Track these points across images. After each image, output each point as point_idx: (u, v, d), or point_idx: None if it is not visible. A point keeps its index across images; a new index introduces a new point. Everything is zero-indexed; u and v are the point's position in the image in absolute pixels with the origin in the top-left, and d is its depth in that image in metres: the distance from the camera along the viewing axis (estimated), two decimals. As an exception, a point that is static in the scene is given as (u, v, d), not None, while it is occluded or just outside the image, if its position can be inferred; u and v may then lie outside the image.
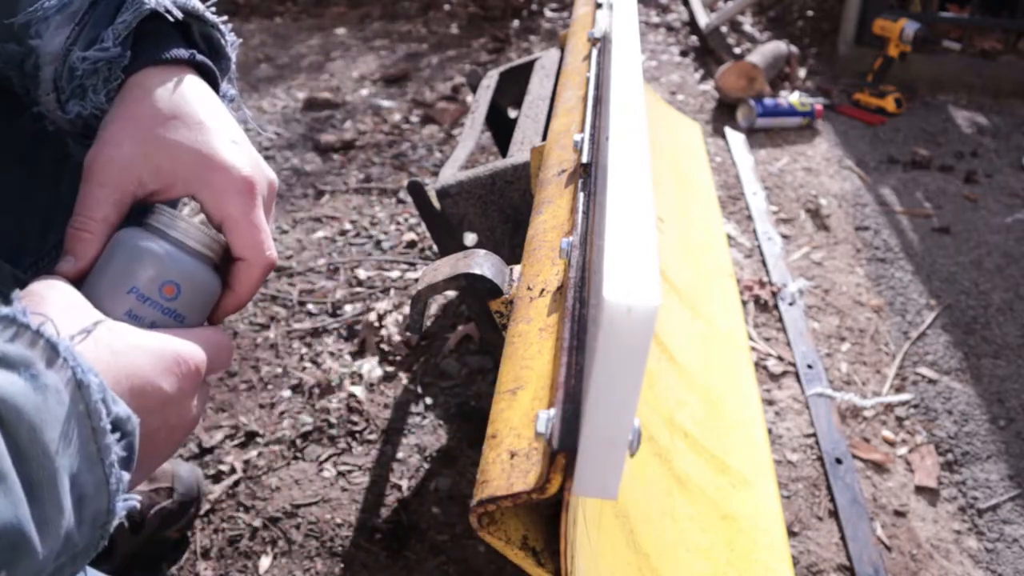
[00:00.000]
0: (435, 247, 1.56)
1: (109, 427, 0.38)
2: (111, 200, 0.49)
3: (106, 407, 0.38)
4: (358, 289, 1.61)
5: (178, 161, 0.51)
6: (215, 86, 0.57)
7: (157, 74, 0.52)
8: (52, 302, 0.43)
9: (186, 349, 0.46)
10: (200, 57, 0.55)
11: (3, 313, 0.37)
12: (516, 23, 3.19)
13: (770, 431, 1.27)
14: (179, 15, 0.54)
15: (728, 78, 2.34)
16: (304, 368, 1.40)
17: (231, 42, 0.60)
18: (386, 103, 2.49)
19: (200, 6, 0.56)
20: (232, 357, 0.50)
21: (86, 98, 0.53)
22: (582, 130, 0.76)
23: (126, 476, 0.40)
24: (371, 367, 1.39)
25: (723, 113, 2.38)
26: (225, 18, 0.59)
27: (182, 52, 0.54)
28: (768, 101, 2.27)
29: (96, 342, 0.41)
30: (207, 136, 0.51)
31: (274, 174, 0.56)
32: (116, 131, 0.50)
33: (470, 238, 1.06)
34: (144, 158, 0.50)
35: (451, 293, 1.52)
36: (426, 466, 1.20)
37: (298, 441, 1.25)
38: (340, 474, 1.19)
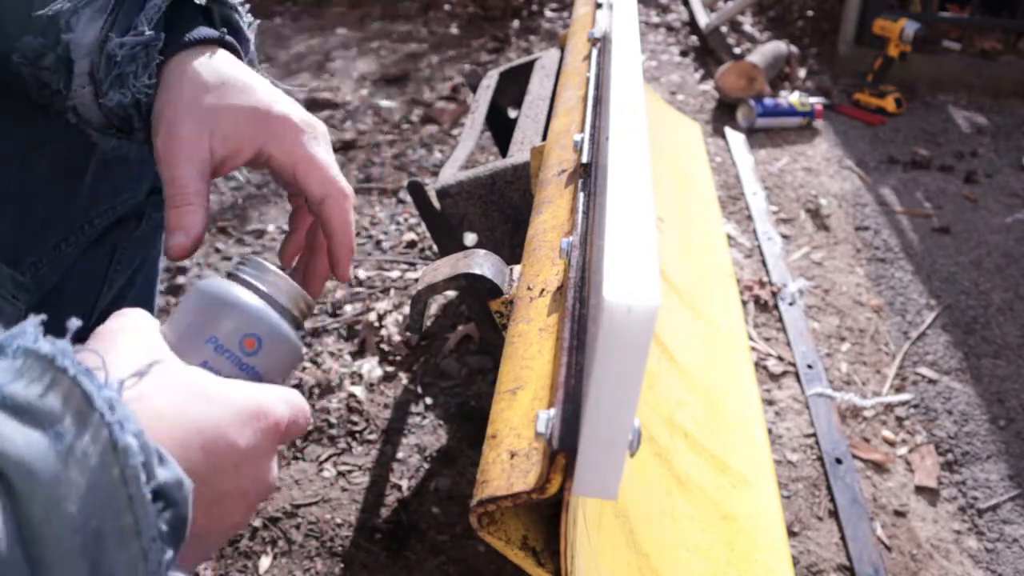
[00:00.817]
0: (435, 247, 1.56)
1: (150, 495, 0.32)
2: (196, 174, 0.50)
3: (147, 472, 0.32)
4: (358, 289, 1.61)
5: (239, 123, 0.52)
6: None
7: (192, 55, 0.54)
8: (119, 340, 0.39)
9: (268, 401, 0.42)
10: (228, 37, 0.56)
11: (44, 352, 0.31)
12: (516, 23, 3.19)
13: (770, 431, 1.27)
14: None
15: (728, 78, 2.34)
16: (304, 368, 1.40)
17: (249, 23, 0.60)
18: (386, 103, 2.49)
19: None
20: (308, 423, 0.45)
21: (126, 85, 0.54)
22: (582, 130, 0.76)
23: (170, 553, 0.33)
24: (371, 367, 1.39)
25: (723, 113, 2.38)
26: (243, 0, 0.60)
27: (211, 32, 0.55)
28: (768, 101, 2.27)
29: (154, 387, 0.37)
30: (256, 95, 0.53)
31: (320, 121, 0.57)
32: (173, 115, 0.51)
33: (470, 238, 1.06)
34: (209, 130, 0.51)
35: (451, 293, 1.52)
36: (426, 466, 1.20)
37: (298, 441, 1.25)
38: (340, 474, 1.19)
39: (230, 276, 0.49)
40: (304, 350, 0.52)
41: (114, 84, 0.54)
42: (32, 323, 0.33)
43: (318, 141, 0.54)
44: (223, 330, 0.46)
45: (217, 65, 0.54)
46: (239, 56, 0.58)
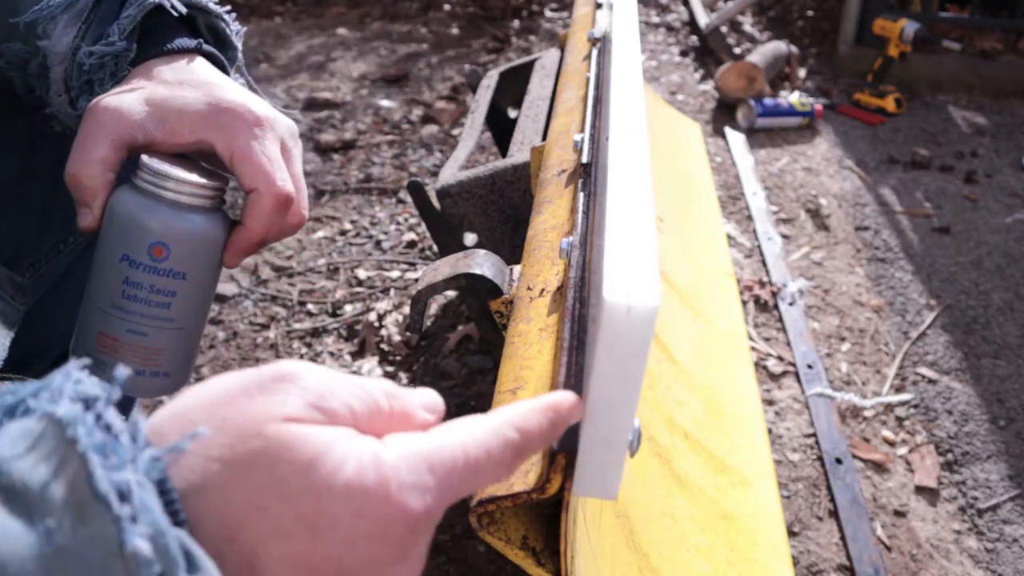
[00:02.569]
0: (435, 247, 1.56)
1: None
2: (108, 139, 0.48)
3: None
4: (358, 289, 1.61)
5: (185, 111, 0.50)
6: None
7: (161, 61, 0.53)
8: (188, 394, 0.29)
9: (393, 467, 0.28)
10: (207, 47, 0.56)
11: (58, 416, 0.24)
12: (516, 23, 3.19)
13: (770, 431, 1.27)
14: (183, 9, 0.55)
15: (728, 78, 2.34)
16: (304, 368, 1.40)
17: (236, 31, 0.60)
18: (386, 103, 2.49)
19: None
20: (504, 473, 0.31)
21: (93, 92, 0.53)
22: (582, 130, 0.76)
23: None
24: (371, 367, 1.39)
25: (723, 113, 2.38)
26: (228, 8, 0.59)
27: (188, 42, 0.54)
28: (768, 101, 2.27)
29: (207, 450, 0.26)
30: (214, 90, 0.51)
31: (292, 122, 0.55)
32: (119, 88, 0.50)
33: (470, 238, 1.06)
34: (148, 108, 0.49)
35: (451, 293, 1.52)
36: (426, 466, 1.20)
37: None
38: (340, 474, 1.19)
39: (130, 186, 0.49)
40: (222, 226, 0.51)
41: (83, 91, 0.53)
42: (68, 371, 0.26)
43: (266, 136, 0.51)
44: (129, 245, 0.47)
45: (186, 69, 0.52)
46: (221, 64, 0.57)
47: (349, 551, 0.27)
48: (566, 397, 0.34)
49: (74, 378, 0.26)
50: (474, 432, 0.30)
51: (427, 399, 0.33)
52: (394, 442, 0.29)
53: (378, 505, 0.27)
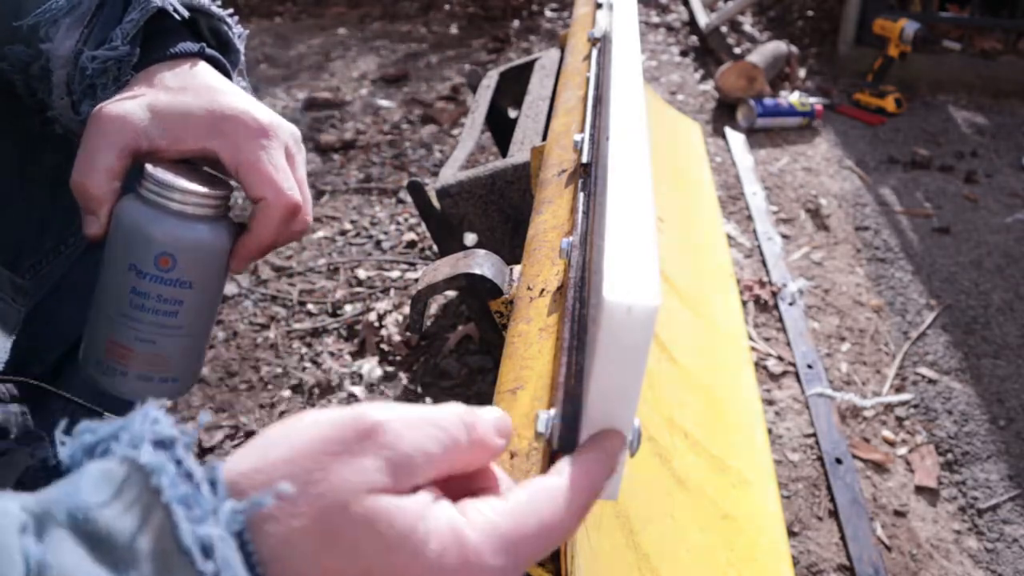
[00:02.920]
0: (435, 247, 1.56)
1: None
2: (114, 147, 0.48)
3: None
4: (358, 289, 1.61)
5: (189, 118, 0.50)
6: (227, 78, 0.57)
7: (164, 66, 0.53)
8: (276, 443, 0.28)
9: (486, 542, 0.28)
10: (209, 51, 0.55)
11: (141, 463, 0.25)
12: (516, 23, 3.19)
13: (770, 431, 1.27)
14: (185, 13, 0.55)
15: (728, 78, 2.34)
16: (304, 368, 1.40)
17: (239, 34, 0.60)
18: (386, 103, 2.49)
19: (206, 1, 0.57)
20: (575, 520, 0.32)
21: (96, 97, 0.53)
22: (582, 130, 0.76)
23: None
24: (371, 367, 1.39)
25: (723, 113, 2.38)
26: (231, 11, 0.59)
27: (191, 46, 0.54)
28: (768, 101, 2.27)
29: (295, 508, 0.26)
30: (217, 96, 0.51)
31: (295, 127, 0.55)
32: (122, 95, 0.50)
33: (470, 238, 1.06)
34: (151, 115, 0.49)
35: (451, 293, 1.52)
36: (426, 466, 1.20)
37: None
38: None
39: (135, 195, 0.49)
40: (227, 234, 0.51)
41: (86, 95, 0.53)
42: (146, 411, 0.27)
43: (271, 144, 0.51)
44: (136, 255, 0.47)
45: (189, 74, 0.52)
46: (224, 68, 0.57)
47: None
48: (617, 435, 0.35)
49: (151, 418, 0.27)
50: (553, 505, 0.31)
51: (499, 422, 0.33)
52: (474, 514, 0.29)
53: None
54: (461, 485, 0.32)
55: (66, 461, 0.26)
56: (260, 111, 0.52)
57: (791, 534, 1.10)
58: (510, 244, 1.05)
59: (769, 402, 1.33)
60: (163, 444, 0.26)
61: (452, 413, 0.31)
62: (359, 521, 0.26)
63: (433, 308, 1.55)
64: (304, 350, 1.45)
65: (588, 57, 0.97)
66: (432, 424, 0.30)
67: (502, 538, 0.28)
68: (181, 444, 0.26)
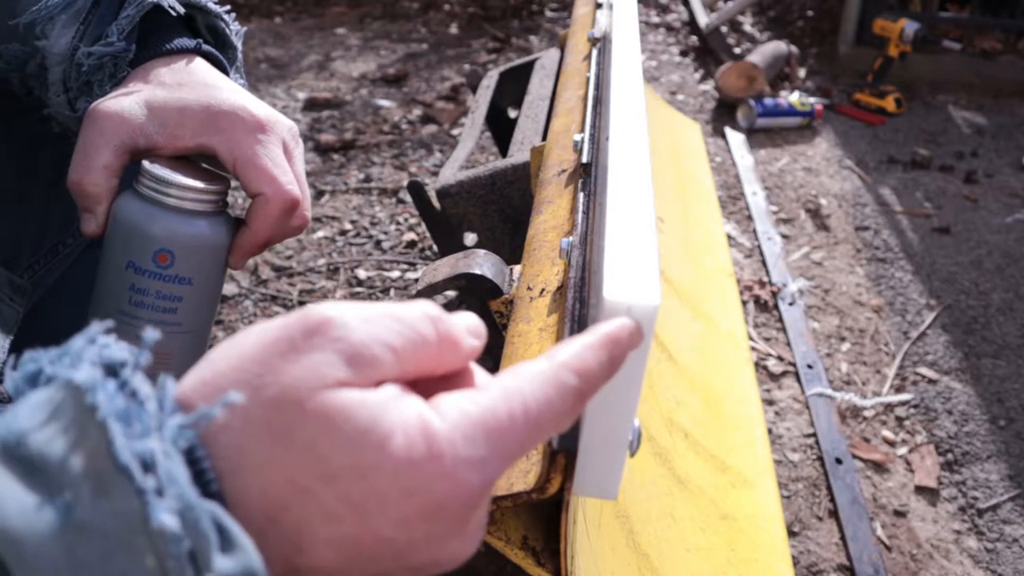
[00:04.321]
0: (435, 247, 1.56)
1: None
2: (111, 145, 0.48)
3: (199, 563, 0.21)
4: (358, 289, 1.61)
5: (186, 114, 0.50)
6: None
7: (160, 62, 0.53)
8: (218, 357, 0.26)
9: (440, 430, 0.26)
10: (206, 47, 0.55)
11: (77, 381, 0.23)
12: (516, 23, 3.19)
13: (770, 431, 1.27)
14: (181, 9, 0.55)
15: (728, 78, 2.34)
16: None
17: (236, 31, 0.60)
18: (386, 103, 2.49)
19: None
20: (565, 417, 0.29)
21: (92, 93, 0.53)
22: (582, 130, 0.76)
23: None
24: (371, 367, 1.39)
25: (723, 113, 2.38)
26: (228, 8, 0.59)
27: (187, 42, 0.54)
28: (768, 101, 2.27)
29: (245, 419, 0.24)
30: (213, 91, 0.51)
31: (293, 122, 0.55)
32: (118, 91, 0.50)
33: (470, 238, 1.06)
34: (148, 112, 0.49)
35: (451, 293, 1.52)
36: (426, 466, 1.20)
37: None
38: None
39: (133, 192, 0.49)
40: (226, 229, 0.51)
41: (82, 92, 0.53)
42: (90, 334, 0.25)
43: (268, 139, 0.51)
44: (134, 252, 0.47)
45: (185, 70, 0.52)
46: (220, 64, 0.57)
47: (402, 531, 0.25)
48: (623, 325, 0.31)
49: (99, 343, 0.25)
50: (531, 385, 0.27)
51: (470, 322, 0.31)
52: (446, 406, 0.27)
53: (431, 482, 0.25)
54: (438, 387, 0.29)
55: (10, 392, 0.25)
56: (257, 106, 0.52)
57: (791, 534, 1.10)
58: (510, 244, 1.05)
59: (769, 402, 1.33)
60: (110, 367, 0.24)
61: (416, 307, 0.29)
62: (314, 418, 0.24)
63: (433, 308, 1.55)
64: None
65: (588, 57, 0.97)
66: (393, 318, 0.27)
67: (478, 427, 0.26)
68: (130, 365, 0.24)
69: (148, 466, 0.22)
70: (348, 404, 0.25)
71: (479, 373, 0.31)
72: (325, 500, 0.24)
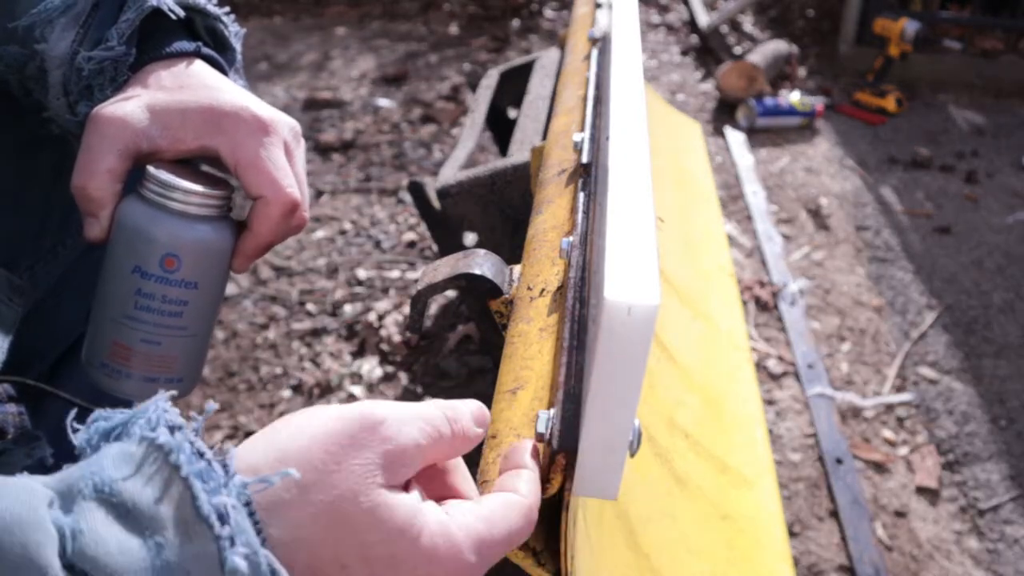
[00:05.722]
0: (435, 247, 1.56)
1: None
2: (114, 149, 0.48)
3: None
4: (358, 289, 1.61)
5: (187, 116, 0.50)
6: None
7: (160, 66, 0.53)
8: (281, 430, 0.32)
9: (471, 535, 0.33)
10: (205, 50, 0.55)
11: (160, 442, 0.28)
12: (516, 23, 3.19)
13: (770, 431, 1.27)
14: (181, 12, 0.54)
15: (728, 78, 2.34)
16: (304, 368, 1.40)
17: (235, 33, 0.59)
18: (385, 103, 2.49)
19: (202, 0, 0.56)
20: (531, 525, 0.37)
21: (93, 97, 0.53)
22: (582, 130, 0.75)
23: None
24: (371, 367, 1.39)
25: (723, 113, 2.38)
26: (227, 9, 0.59)
27: (187, 45, 0.54)
28: (768, 101, 2.27)
29: (298, 493, 0.29)
30: (214, 93, 0.51)
31: (295, 121, 0.54)
32: (120, 96, 0.50)
33: (470, 238, 1.06)
34: (151, 115, 0.49)
35: (451, 293, 1.52)
36: (426, 466, 1.20)
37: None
38: (340, 474, 1.19)
39: (137, 196, 0.49)
40: (230, 233, 0.51)
41: (82, 96, 0.53)
42: (157, 401, 0.30)
43: (270, 140, 0.51)
44: (140, 257, 0.47)
45: (185, 73, 0.52)
46: (221, 67, 0.57)
47: None
48: (532, 451, 0.40)
49: (163, 407, 0.30)
50: (519, 518, 0.35)
51: (477, 413, 0.37)
52: (458, 515, 0.33)
53: (446, 573, 0.32)
54: (436, 475, 0.37)
55: (81, 445, 0.29)
56: (259, 107, 0.52)
57: (791, 534, 1.10)
58: (510, 244, 1.05)
59: (769, 402, 1.33)
60: (174, 429, 0.29)
61: (436, 407, 0.35)
62: (365, 512, 0.30)
63: (433, 308, 1.55)
64: (304, 350, 1.45)
65: (588, 57, 0.97)
66: (420, 418, 0.33)
67: (478, 540, 0.33)
68: (190, 429, 0.30)
69: (223, 518, 0.27)
70: (392, 503, 0.31)
71: (467, 478, 0.39)
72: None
